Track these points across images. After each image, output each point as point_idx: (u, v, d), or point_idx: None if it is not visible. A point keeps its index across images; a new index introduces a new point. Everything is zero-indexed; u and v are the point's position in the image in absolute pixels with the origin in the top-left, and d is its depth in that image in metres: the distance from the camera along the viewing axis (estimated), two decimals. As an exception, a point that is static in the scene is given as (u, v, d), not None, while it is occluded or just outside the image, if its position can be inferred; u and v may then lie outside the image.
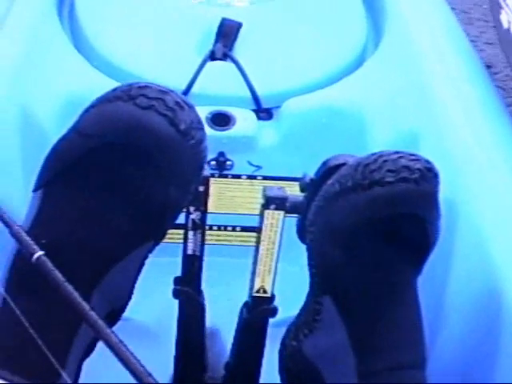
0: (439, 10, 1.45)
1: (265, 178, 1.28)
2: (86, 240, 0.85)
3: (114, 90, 0.87)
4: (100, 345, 0.76)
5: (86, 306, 0.73)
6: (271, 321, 1.03)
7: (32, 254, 0.75)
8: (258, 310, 1.00)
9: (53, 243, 0.83)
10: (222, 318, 1.09)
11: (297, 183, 0.98)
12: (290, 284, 1.04)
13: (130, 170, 0.84)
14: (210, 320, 1.07)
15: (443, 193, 0.93)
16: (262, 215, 0.97)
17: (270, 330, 1.03)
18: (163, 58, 1.35)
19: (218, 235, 1.30)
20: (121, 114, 0.84)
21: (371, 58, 1.36)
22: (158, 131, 0.83)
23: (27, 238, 0.77)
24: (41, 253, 0.75)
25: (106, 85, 1.17)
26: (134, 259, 0.89)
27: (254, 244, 1.00)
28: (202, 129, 0.87)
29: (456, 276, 1.01)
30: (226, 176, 1.29)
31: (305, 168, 0.99)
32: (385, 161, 0.85)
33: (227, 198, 1.30)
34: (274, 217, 0.96)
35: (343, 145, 1.21)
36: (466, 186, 1.06)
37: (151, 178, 0.85)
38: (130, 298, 0.92)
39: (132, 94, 0.84)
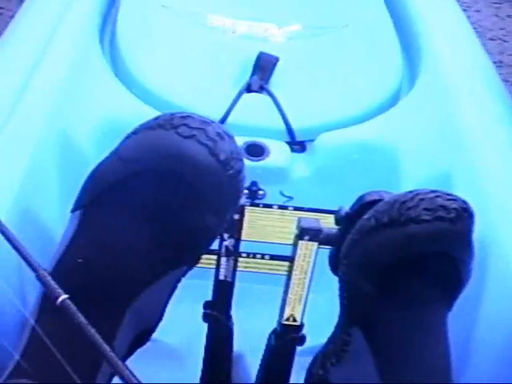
0: (473, 48, 1.47)
1: (296, 208, 1.29)
2: (121, 263, 0.86)
3: (157, 118, 0.89)
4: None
5: (107, 347, 0.73)
6: (298, 349, 1.04)
7: (57, 298, 0.75)
8: (286, 337, 1.02)
9: (89, 263, 0.85)
10: (249, 343, 1.10)
11: (328, 215, 1.00)
12: (318, 313, 1.05)
13: (168, 196, 0.86)
14: (237, 345, 1.09)
15: (476, 233, 0.95)
16: (295, 245, 0.99)
17: (296, 358, 1.05)
18: (201, 88, 1.38)
19: (247, 262, 1.31)
20: (162, 142, 0.86)
21: (406, 96, 1.38)
22: (199, 160, 0.85)
23: (52, 282, 0.77)
24: (65, 296, 0.75)
25: (144, 112, 1.22)
26: (167, 283, 0.91)
27: (281, 272, 1.02)
28: (241, 159, 0.89)
29: (486, 315, 1.01)
30: (257, 205, 1.31)
31: (335, 201, 1.01)
32: (421, 199, 0.87)
33: (258, 227, 1.31)
34: (307, 248, 0.98)
35: (375, 181, 1.22)
36: (498, 227, 1.07)
37: (189, 205, 0.87)
38: (160, 319, 0.94)
39: (174, 123, 0.86)
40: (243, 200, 1.01)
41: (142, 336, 0.93)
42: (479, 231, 1.02)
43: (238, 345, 1.09)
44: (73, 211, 0.90)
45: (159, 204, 0.87)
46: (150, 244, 0.87)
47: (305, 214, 1.24)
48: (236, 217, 1.00)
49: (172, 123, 0.86)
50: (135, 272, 0.87)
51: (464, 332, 1.01)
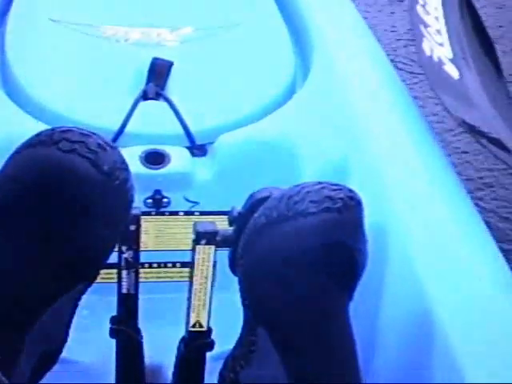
0: (364, 38, 1.49)
1: (202, 213, 1.29)
2: (17, 285, 0.85)
3: (38, 134, 0.89)
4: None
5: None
6: (210, 354, 1.04)
7: None
8: (195, 344, 1.01)
9: None
10: (163, 354, 1.09)
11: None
12: (227, 316, 1.05)
13: (54, 213, 0.85)
14: (150, 357, 1.08)
15: (372, 219, 0.96)
16: (193, 250, 0.98)
17: (210, 364, 1.04)
18: (96, 99, 1.36)
19: (159, 272, 1.30)
20: (43, 159, 0.85)
21: (300, 90, 1.39)
22: (81, 173, 0.84)
23: None
24: None
25: (38, 129, 1.18)
26: (67, 302, 0.90)
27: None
28: (126, 169, 0.89)
29: (388, 299, 1.03)
30: (163, 213, 1.30)
31: (240, 202, 1.01)
32: (308, 192, 0.87)
33: (166, 235, 1.30)
34: (205, 251, 0.98)
35: (276, 177, 1.23)
36: (394, 212, 1.09)
37: (77, 220, 0.86)
38: (65, 339, 0.93)
39: (55, 139, 0.86)
40: (138, 210, 1.00)
41: (48, 358, 0.92)
42: (377, 217, 1.04)
43: (150, 357, 1.08)
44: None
45: (46, 222, 0.86)
46: (41, 264, 0.86)
47: (211, 217, 1.23)
48: (132, 227, 0.99)
49: (53, 138, 0.86)
50: (30, 295, 0.86)
51: (369, 319, 1.03)
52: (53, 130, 0.88)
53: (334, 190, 0.87)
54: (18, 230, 0.86)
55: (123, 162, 0.88)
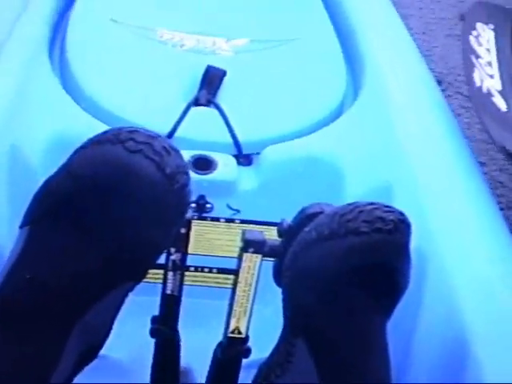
0: (415, 63, 1.51)
1: (243, 221, 1.31)
2: (68, 278, 0.87)
3: (105, 132, 0.90)
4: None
5: None
6: (245, 362, 1.06)
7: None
8: (232, 350, 1.03)
9: (36, 279, 0.85)
10: (197, 357, 1.11)
11: (274, 228, 1.02)
12: (264, 326, 1.07)
13: (115, 211, 0.87)
14: (184, 359, 1.10)
15: (415, 243, 0.98)
16: (240, 258, 1.00)
17: (243, 371, 1.06)
18: (149, 102, 1.39)
19: (195, 276, 1.33)
20: (110, 157, 0.87)
21: (349, 109, 1.41)
22: (145, 174, 0.86)
23: None
24: None
25: (93, 126, 1.22)
26: (114, 298, 0.91)
27: (230, 286, 1.02)
28: (187, 174, 0.90)
29: (424, 323, 1.04)
30: (205, 218, 1.32)
31: (282, 214, 1.03)
32: (360, 211, 0.89)
33: (205, 240, 1.33)
34: (251, 260, 1.00)
35: (319, 193, 1.24)
36: (436, 237, 1.10)
37: (135, 220, 0.88)
38: (108, 335, 0.94)
39: (121, 138, 0.87)
40: (189, 214, 1.03)
41: (89, 353, 0.93)
42: (418, 242, 1.06)
43: (185, 359, 1.10)
44: (21, 227, 0.90)
45: (106, 219, 0.87)
46: (96, 259, 0.87)
47: (251, 226, 1.25)
48: (182, 231, 1.02)
49: (119, 138, 0.87)
50: (82, 288, 0.88)
51: (404, 340, 1.05)
52: (120, 129, 0.89)
53: (386, 211, 0.89)
54: (77, 224, 0.87)
55: (185, 166, 0.90)
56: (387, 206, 0.90)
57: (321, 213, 0.93)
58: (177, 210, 0.91)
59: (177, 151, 0.90)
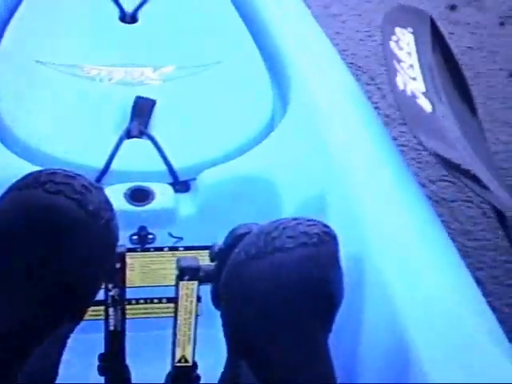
0: (339, 71, 1.53)
1: (186, 248, 1.31)
2: (3, 324, 0.87)
3: (25, 177, 0.91)
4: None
5: None
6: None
7: None
8: (180, 379, 1.04)
9: None
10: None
11: (213, 252, 1.02)
12: (212, 349, 1.07)
13: (42, 254, 0.87)
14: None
15: (349, 249, 0.99)
16: (177, 286, 1.01)
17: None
18: (81, 138, 1.39)
19: (145, 308, 1.33)
20: (30, 201, 0.88)
21: (279, 125, 1.43)
22: (68, 214, 0.87)
23: None
24: None
25: (25, 169, 1.21)
26: (55, 340, 0.92)
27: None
28: (111, 209, 0.91)
29: (367, 329, 1.06)
30: (148, 249, 1.32)
31: (223, 236, 1.04)
32: (284, 228, 0.91)
33: (151, 271, 1.33)
34: (188, 287, 1.00)
35: (257, 211, 1.26)
36: (370, 242, 1.12)
37: (65, 260, 0.88)
38: (54, 378, 0.95)
39: (41, 180, 0.88)
40: (123, 248, 1.03)
41: None
42: (354, 248, 1.08)
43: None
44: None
45: (34, 263, 0.88)
46: (27, 302, 0.88)
47: (195, 252, 1.26)
48: (117, 265, 1.02)
49: (39, 181, 0.89)
50: (17, 335, 0.88)
51: (349, 347, 1.06)
52: (40, 172, 0.91)
53: (310, 225, 0.91)
54: (5, 271, 0.88)
55: (108, 202, 0.91)
56: (310, 220, 0.92)
57: (249, 233, 0.94)
58: (105, 246, 0.92)
59: (98, 188, 0.91)
